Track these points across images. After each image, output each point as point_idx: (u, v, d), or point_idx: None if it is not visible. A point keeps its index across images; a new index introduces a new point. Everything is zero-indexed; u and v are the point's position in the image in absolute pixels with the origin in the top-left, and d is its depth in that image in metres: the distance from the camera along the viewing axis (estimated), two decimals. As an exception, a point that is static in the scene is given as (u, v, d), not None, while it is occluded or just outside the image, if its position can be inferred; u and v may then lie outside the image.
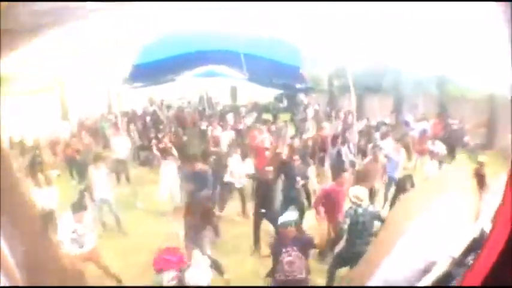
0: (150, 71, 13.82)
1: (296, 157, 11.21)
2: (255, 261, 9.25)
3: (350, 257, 7.66)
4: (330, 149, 13.68)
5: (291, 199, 10.09)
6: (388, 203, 11.16)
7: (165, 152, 12.27)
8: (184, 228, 8.40)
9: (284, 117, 18.55)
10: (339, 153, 13.20)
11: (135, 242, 9.58)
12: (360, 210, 7.72)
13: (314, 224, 9.49)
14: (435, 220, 5.57)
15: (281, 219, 6.88)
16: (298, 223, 7.43)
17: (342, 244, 8.14)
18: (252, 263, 9.21)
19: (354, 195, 7.90)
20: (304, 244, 6.91)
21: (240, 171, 11.59)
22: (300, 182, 10.55)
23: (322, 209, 9.15)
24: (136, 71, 14.30)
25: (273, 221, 9.35)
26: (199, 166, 10.70)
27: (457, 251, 3.28)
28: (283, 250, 6.65)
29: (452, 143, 12.44)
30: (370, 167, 11.25)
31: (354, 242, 7.74)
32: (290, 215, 7.07)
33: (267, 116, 19.31)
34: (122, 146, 13.39)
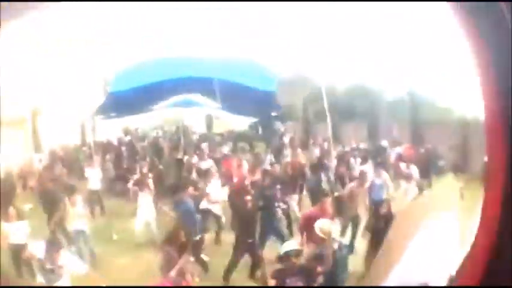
0: (125, 100, 13.64)
1: (277, 185, 11.11)
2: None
3: None
4: (310, 176, 13.56)
5: (273, 228, 9.96)
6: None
7: (141, 184, 12.07)
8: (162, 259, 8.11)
9: (260, 145, 18.45)
10: (318, 180, 13.04)
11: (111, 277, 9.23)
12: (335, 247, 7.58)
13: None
14: (429, 239, 5.56)
15: (283, 250, 6.85)
16: (299, 253, 7.19)
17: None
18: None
19: (320, 228, 7.69)
20: (308, 275, 6.81)
21: (217, 197, 11.46)
22: (279, 211, 10.46)
23: (304, 235, 8.94)
24: (111, 100, 14.13)
25: (255, 252, 9.28)
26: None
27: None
28: (287, 281, 6.59)
29: (427, 167, 12.34)
30: (355, 192, 11.18)
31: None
32: (290, 244, 7.04)
33: (243, 145, 19.21)
34: (95, 177, 13.19)
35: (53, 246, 7.27)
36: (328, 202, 9.35)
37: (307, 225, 8.78)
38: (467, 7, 1.62)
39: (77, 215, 10.02)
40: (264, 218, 10.15)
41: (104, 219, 12.33)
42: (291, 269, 6.66)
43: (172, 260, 7.80)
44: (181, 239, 8.39)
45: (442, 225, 5.87)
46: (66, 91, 16.93)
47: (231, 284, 9.04)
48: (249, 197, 9.65)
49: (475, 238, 1.88)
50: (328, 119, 13.19)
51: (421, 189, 11.70)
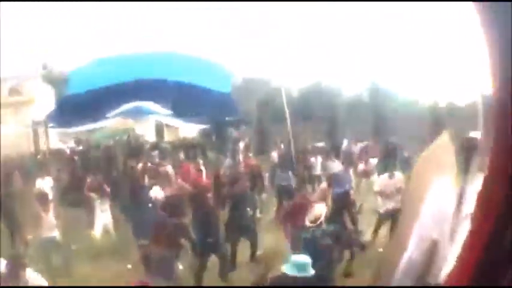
0: (80, 105, 13.52)
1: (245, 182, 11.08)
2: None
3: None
4: (278, 173, 13.92)
5: (242, 228, 9.91)
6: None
7: (97, 189, 12.07)
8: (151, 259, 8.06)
9: (214, 152, 18.59)
10: (287, 178, 13.53)
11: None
12: (317, 233, 7.29)
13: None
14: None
15: (294, 269, 5.50)
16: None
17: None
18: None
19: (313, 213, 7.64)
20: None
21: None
22: (250, 211, 10.27)
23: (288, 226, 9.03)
24: (65, 103, 13.99)
25: (219, 252, 9.14)
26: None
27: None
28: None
29: (392, 160, 12.65)
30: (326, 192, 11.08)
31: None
32: (301, 258, 5.71)
33: (196, 152, 19.30)
34: (47, 187, 12.99)
35: (17, 263, 7.10)
36: (308, 189, 9.35)
37: (293, 215, 8.90)
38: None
39: (48, 222, 9.80)
40: (234, 217, 10.12)
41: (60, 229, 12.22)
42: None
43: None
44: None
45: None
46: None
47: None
48: (209, 195, 9.74)
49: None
50: (287, 118, 13.38)
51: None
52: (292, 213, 9.08)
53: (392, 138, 17.55)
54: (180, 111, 15.14)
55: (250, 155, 16.64)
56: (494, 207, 1.66)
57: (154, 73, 13.55)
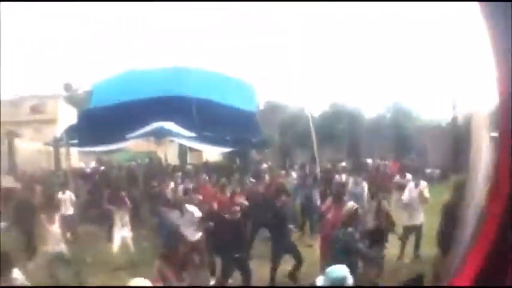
0: (101, 120, 13.20)
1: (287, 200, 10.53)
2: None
3: None
4: (300, 192, 13.62)
5: (286, 246, 9.40)
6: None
7: (117, 201, 11.62)
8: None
9: (237, 176, 18.14)
10: (308, 197, 13.20)
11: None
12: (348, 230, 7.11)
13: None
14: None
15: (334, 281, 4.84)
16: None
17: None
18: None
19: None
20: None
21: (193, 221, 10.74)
22: (292, 229, 9.85)
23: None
24: (86, 117, 13.75)
25: (245, 269, 8.81)
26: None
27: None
28: None
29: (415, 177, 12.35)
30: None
31: None
32: (339, 271, 4.98)
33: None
34: (68, 202, 12.62)
35: (3, 260, 6.72)
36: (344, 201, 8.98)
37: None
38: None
39: (55, 235, 9.40)
40: (276, 235, 9.63)
41: (77, 244, 11.85)
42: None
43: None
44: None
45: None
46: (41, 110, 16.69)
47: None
48: (237, 208, 9.25)
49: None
50: (313, 138, 13.00)
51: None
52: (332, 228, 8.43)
53: (412, 155, 18.02)
54: (203, 137, 14.79)
55: (282, 172, 16.23)
56: (500, 207, 1.66)
57: (179, 90, 13.27)
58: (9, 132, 17.10)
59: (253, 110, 14.35)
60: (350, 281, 4.84)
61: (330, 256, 6.90)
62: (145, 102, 13.13)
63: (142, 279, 5.54)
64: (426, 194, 10.57)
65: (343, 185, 12.56)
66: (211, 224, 9.58)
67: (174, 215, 10.19)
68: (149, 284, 5.46)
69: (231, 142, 17.75)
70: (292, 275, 9.37)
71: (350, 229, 7.15)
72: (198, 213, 10.32)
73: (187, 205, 10.55)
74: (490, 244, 1.69)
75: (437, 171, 16.01)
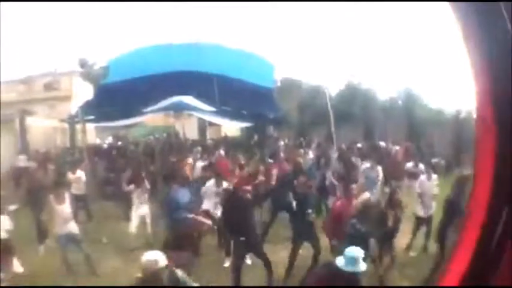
0: (118, 94, 12.88)
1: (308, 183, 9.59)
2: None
3: None
4: (314, 172, 13.00)
5: (303, 234, 8.79)
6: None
7: (137, 182, 11.23)
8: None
9: (255, 152, 17.79)
10: (323, 177, 12.62)
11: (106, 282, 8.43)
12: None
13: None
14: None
15: (349, 263, 5.05)
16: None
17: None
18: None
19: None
20: None
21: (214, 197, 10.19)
22: (311, 214, 8.90)
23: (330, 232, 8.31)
24: (103, 92, 13.45)
25: (258, 254, 8.37)
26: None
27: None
28: None
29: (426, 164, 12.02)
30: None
31: None
32: (356, 251, 5.21)
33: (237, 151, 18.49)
34: (80, 182, 12.20)
35: (6, 247, 6.42)
36: (352, 187, 8.64)
37: (338, 219, 8.13)
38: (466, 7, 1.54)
39: (64, 216, 8.94)
40: (294, 219, 9.13)
41: (92, 223, 11.55)
42: None
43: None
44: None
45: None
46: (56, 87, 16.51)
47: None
48: (248, 187, 8.74)
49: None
50: (331, 118, 12.54)
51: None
52: (339, 217, 8.22)
53: (423, 143, 17.53)
54: (222, 112, 14.42)
55: (300, 151, 15.79)
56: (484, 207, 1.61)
57: (197, 65, 12.89)
58: (22, 111, 16.89)
59: (271, 86, 13.93)
60: (363, 265, 5.12)
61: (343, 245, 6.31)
62: (163, 77, 12.78)
63: (156, 252, 5.35)
64: (436, 189, 10.41)
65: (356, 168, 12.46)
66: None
67: (184, 194, 9.69)
68: (163, 257, 5.23)
69: (249, 117, 17.43)
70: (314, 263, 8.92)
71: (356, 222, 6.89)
72: (216, 190, 10.05)
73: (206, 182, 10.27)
74: (475, 241, 1.63)
75: (443, 162, 15.57)
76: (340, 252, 5.46)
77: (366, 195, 7.27)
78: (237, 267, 8.18)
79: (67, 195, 9.38)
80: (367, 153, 15.25)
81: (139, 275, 5.20)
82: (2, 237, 7.44)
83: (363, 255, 5.15)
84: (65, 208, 9.00)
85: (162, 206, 10.72)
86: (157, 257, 5.18)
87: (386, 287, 7.56)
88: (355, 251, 5.16)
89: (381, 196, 11.35)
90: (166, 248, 7.14)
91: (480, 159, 1.66)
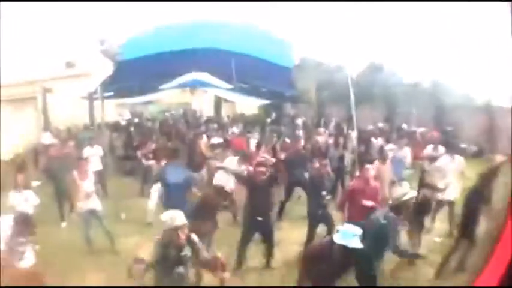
0: (135, 70, 12.95)
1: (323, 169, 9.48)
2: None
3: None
4: (332, 152, 12.91)
5: (317, 216, 8.82)
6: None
7: (158, 156, 11.26)
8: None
9: (272, 129, 17.78)
10: (341, 158, 12.63)
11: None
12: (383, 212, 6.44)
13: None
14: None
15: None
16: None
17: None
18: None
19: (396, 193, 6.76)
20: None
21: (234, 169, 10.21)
22: (326, 196, 9.00)
23: (346, 212, 8.09)
24: (121, 69, 13.52)
25: (267, 233, 8.37)
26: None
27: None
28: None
29: (449, 149, 11.73)
30: (380, 169, 10.31)
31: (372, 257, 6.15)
32: (353, 228, 5.26)
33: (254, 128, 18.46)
34: (96, 157, 12.25)
35: (26, 219, 6.47)
36: (370, 170, 8.22)
37: (352, 198, 7.95)
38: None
39: (87, 192, 8.92)
40: (309, 198, 9.21)
41: (110, 199, 11.56)
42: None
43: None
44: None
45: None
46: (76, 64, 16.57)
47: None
48: (262, 168, 8.77)
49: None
50: (352, 97, 12.42)
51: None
52: (349, 199, 8.09)
53: (449, 128, 16.86)
54: (238, 88, 14.41)
55: (319, 130, 15.86)
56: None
57: (215, 43, 12.86)
58: (43, 89, 17.01)
59: (289, 65, 13.86)
60: (356, 242, 5.05)
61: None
62: (181, 54, 12.76)
63: (175, 210, 5.29)
64: (462, 168, 10.14)
65: (381, 147, 12.09)
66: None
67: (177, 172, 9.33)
68: (182, 216, 5.20)
69: (266, 95, 17.41)
70: None
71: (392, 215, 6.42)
72: (231, 167, 10.16)
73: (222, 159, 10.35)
74: None
75: (474, 148, 15.41)
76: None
77: (411, 194, 6.70)
78: (243, 248, 8.29)
79: (90, 171, 9.46)
80: (391, 134, 15.21)
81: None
82: (29, 212, 7.54)
83: (359, 234, 5.14)
84: (88, 184, 9.05)
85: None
86: (175, 215, 5.18)
87: (397, 287, 7.39)
88: (351, 228, 5.23)
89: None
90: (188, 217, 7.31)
91: None
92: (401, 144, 12.04)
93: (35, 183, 8.82)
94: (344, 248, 5.01)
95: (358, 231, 5.16)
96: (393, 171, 10.77)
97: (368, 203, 7.58)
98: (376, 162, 10.69)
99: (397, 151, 11.73)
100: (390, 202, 6.83)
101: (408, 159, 11.74)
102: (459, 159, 10.30)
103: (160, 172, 9.61)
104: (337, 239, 5.09)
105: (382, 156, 10.97)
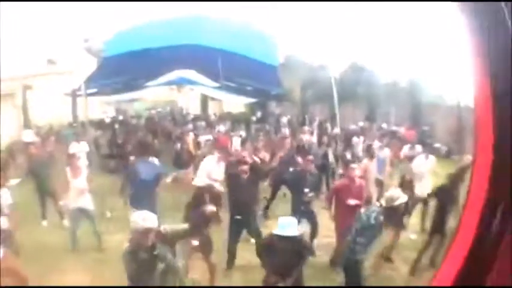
0: (120, 66, 12.70)
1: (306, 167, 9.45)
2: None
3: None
4: (316, 150, 12.94)
5: (299, 212, 8.54)
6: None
7: (143, 150, 11.01)
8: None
9: (257, 127, 17.72)
10: (325, 155, 12.57)
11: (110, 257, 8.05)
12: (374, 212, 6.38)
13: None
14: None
15: (280, 231, 5.64)
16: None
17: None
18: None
19: (390, 197, 6.50)
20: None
21: (215, 172, 10.11)
22: (309, 193, 8.88)
23: (332, 209, 8.24)
24: (105, 65, 13.27)
25: (251, 230, 8.37)
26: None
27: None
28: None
29: (425, 149, 11.83)
30: (368, 167, 10.69)
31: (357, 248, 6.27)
32: (287, 219, 5.86)
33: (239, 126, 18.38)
34: (82, 153, 11.92)
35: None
36: (355, 169, 8.28)
37: (337, 197, 8.09)
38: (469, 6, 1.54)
39: (79, 189, 8.84)
40: (293, 195, 9.18)
41: (95, 197, 11.41)
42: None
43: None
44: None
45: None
46: (57, 62, 16.35)
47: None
48: (245, 167, 8.36)
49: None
50: (335, 96, 12.37)
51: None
52: (335, 197, 8.21)
53: (425, 127, 17.48)
54: (226, 85, 14.24)
55: (304, 128, 15.63)
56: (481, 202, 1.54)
57: (201, 39, 12.67)
58: (24, 86, 16.79)
59: (275, 63, 13.74)
60: (293, 230, 5.68)
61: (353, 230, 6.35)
62: (167, 50, 12.54)
63: (145, 211, 4.99)
64: (434, 167, 10.54)
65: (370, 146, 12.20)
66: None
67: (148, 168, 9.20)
68: (153, 217, 4.86)
69: (252, 93, 17.32)
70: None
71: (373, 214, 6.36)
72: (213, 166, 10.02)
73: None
74: (470, 239, 1.57)
75: (445, 148, 15.59)
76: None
77: (402, 199, 6.54)
78: (232, 246, 8.19)
79: (83, 169, 9.38)
80: (370, 134, 15.25)
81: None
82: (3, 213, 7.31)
83: (294, 223, 5.79)
84: (81, 181, 8.93)
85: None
86: (146, 216, 4.83)
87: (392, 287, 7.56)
88: (286, 219, 5.88)
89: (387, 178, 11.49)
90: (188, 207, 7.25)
91: (479, 153, 1.60)
92: (382, 145, 12.21)
93: (13, 182, 8.57)
94: (283, 238, 5.61)
95: (293, 221, 5.85)
96: (377, 170, 11.13)
97: (352, 202, 7.75)
98: (364, 161, 10.74)
99: (379, 150, 11.81)
100: (380, 204, 6.75)
101: (388, 160, 11.83)
102: (432, 158, 10.73)
103: (130, 169, 9.39)
104: (275, 231, 5.73)
105: (370, 154, 11.22)
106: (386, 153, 11.82)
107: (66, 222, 9.97)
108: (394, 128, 17.74)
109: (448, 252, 1.72)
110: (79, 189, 8.83)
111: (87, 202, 8.98)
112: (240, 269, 8.10)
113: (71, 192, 8.85)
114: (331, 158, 12.64)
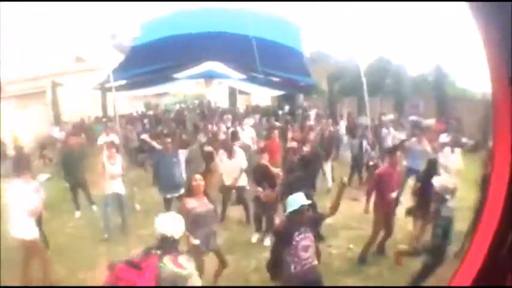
0: (147, 56, 12.39)
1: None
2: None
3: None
4: (350, 140, 12.79)
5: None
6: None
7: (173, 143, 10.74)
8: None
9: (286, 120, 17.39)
10: (360, 145, 12.27)
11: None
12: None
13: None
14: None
15: (293, 206, 5.20)
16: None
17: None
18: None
19: (442, 186, 6.08)
20: (316, 223, 5.75)
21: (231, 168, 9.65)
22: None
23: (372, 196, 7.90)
24: (133, 53, 12.97)
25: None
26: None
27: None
28: (296, 233, 5.19)
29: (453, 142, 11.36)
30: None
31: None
32: (300, 199, 5.30)
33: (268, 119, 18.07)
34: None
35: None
36: (397, 155, 8.00)
37: (379, 183, 7.80)
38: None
39: (114, 175, 8.87)
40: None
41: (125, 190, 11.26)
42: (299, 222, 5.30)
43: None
44: None
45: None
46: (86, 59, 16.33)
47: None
48: (265, 156, 8.51)
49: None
50: (365, 87, 11.93)
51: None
52: (377, 184, 7.88)
53: (452, 120, 16.85)
54: (263, 67, 13.83)
55: (330, 121, 15.51)
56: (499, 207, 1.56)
57: (232, 28, 12.33)
58: (53, 83, 16.84)
59: (301, 49, 13.32)
60: (303, 199, 5.25)
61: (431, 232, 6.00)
62: (194, 37, 12.19)
63: (171, 214, 4.45)
64: (460, 162, 10.23)
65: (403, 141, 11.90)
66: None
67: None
68: (181, 220, 4.24)
69: (279, 85, 16.96)
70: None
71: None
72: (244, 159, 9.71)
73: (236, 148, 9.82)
74: (489, 240, 1.56)
75: (471, 142, 15.04)
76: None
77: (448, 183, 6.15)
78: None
79: (119, 157, 9.30)
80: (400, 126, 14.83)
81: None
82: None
83: (303, 196, 5.35)
84: (116, 168, 8.95)
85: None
86: (176, 226, 4.16)
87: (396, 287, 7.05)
88: (294, 196, 5.39)
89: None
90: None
91: (497, 152, 1.60)
92: (420, 139, 11.39)
93: (42, 177, 8.41)
94: (294, 211, 5.18)
95: (301, 195, 5.34)
96: (411, 162, 10.77)
97: (393, 194, 7.71)
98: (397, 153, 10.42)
99: (415, 145, 11.28)
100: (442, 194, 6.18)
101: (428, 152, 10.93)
102: (458, 151, 10.46)
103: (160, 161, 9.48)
104: (288, 208, 5.25)
105: (402, 145, 10.83)
106: (421, 146, 11.13)
107: (95, 208, 10.42)
108: (427, 121, 16.98)
109: (468, 252, 1.73)
110: (115, 174, 8.87)
111: (120, 187, 9.05)
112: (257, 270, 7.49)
113: (106, 179, 8.85)
114: (367, 148, 12.29)
